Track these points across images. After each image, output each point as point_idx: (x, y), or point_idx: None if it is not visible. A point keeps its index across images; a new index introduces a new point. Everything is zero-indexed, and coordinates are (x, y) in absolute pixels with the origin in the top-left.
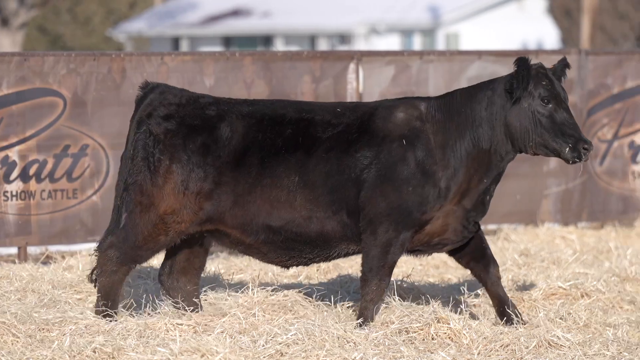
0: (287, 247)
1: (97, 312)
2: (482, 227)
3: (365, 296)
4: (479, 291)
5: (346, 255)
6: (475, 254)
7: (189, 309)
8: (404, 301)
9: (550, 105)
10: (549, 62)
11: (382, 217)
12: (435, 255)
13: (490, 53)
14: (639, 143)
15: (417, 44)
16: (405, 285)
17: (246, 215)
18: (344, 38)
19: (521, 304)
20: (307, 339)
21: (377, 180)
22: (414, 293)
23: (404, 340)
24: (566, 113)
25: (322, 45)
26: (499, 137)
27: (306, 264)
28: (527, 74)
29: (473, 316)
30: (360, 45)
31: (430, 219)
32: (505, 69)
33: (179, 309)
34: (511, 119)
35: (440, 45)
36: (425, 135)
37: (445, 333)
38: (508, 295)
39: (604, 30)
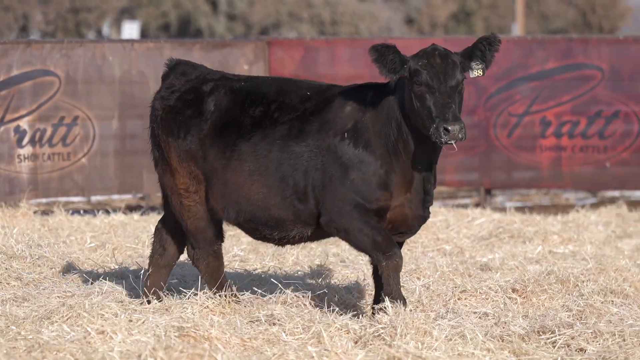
0: (251, 228)
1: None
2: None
3: (384, 275)
4: None
5: (307, 240)
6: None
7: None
8: None
9: (422, 87)
10: None
11: (336, 209)
12: None
13: None
14: (24, 127)
15: None
16: None
17: (223, 194)
18: None
19: None
20: None
21: (325, 174)
22: None
23: None
24: (438, 94)
25: None
26: (406, 123)
27: (277, 244)
28: (379, 56)
29: None
30: None
31: (385, 207)
32: None
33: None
34: (405, 103)
35: None
36: (365, 125)
37: None
38: None
39: None
